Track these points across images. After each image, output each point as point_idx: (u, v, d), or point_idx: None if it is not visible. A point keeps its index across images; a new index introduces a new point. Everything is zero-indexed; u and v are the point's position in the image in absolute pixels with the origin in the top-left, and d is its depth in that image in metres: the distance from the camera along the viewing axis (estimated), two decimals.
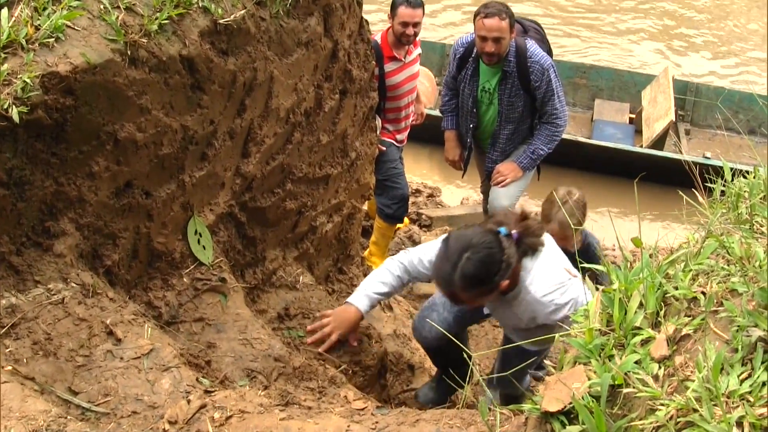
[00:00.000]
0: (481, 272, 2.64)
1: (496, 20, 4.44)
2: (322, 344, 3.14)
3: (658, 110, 8.36)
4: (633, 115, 8.96)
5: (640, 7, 12.33)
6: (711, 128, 8.81)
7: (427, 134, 7.01)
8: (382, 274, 3.19)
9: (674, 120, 8.14)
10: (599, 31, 11.56)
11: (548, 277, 2.92)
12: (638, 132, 8.70)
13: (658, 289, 1.67)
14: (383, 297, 3.25)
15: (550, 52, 4.84)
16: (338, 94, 3.71)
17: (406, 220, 6.19)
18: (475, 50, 4.74)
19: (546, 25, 5.57)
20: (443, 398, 3.75)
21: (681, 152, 8.27)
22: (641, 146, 8.28)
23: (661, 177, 7.08)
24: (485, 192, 5.68)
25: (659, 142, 8.14)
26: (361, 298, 3.15)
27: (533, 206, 7.11)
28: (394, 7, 5.02)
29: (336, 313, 3.18)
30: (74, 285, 2.41)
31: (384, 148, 5.14)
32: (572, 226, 3.59)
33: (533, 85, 4.64)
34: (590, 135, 8.64)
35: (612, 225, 1.97)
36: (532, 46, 4.63)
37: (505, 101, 4.78)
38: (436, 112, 7.23)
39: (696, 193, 2.01)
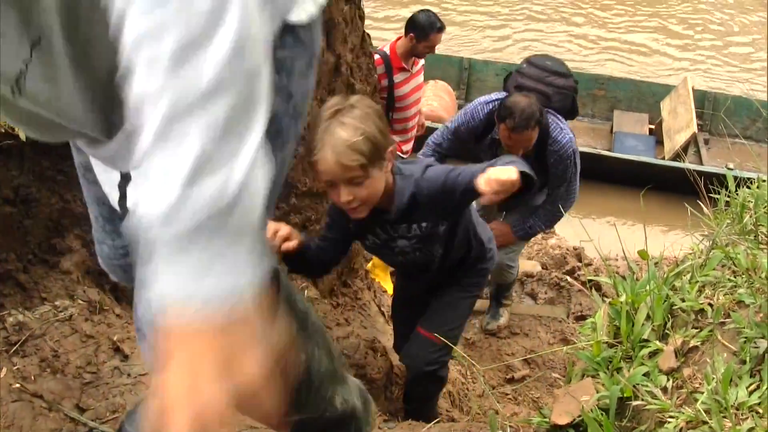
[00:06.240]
0: None
1: (527, 133, 3.91)
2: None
3: (679, 122, 8.36)
4: (652, 126, 8.96)
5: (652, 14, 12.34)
6: (729, 137, 8.78)
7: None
8: None
9: (696, 131, 8.15)
10: (612, 41, 11.55)
11: None
12: (659, 143, 8.69)
13: (665, 301, 1.67)
14: None
15: (575, 109, 4.38)
16: None
17: None
18: (495, 130, 4.16)
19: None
20: None
21: (702, 163, 8.27)
22: (663, 158, 8.29)
23: (684, 188, 6.99)
24: (484, 217, 5.55)
25: (681, 153, 8.15)
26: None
27: None
28: (424, 31, 5.02)
29: None
30: (81, 302, 2.41)
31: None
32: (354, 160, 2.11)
33: (550, 170, 4.35)
34: (611, 147, 8.59)
35: (617, 235, 1.97)
36: (556, 129, 4.16)
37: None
38: (434, 124, 7.21)
39: (701, 203, 2.02)
